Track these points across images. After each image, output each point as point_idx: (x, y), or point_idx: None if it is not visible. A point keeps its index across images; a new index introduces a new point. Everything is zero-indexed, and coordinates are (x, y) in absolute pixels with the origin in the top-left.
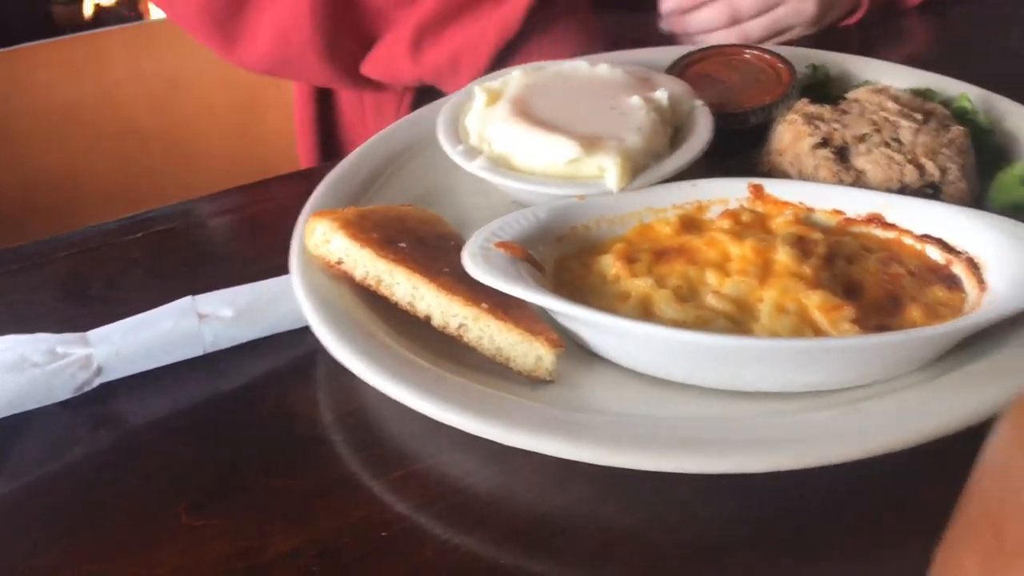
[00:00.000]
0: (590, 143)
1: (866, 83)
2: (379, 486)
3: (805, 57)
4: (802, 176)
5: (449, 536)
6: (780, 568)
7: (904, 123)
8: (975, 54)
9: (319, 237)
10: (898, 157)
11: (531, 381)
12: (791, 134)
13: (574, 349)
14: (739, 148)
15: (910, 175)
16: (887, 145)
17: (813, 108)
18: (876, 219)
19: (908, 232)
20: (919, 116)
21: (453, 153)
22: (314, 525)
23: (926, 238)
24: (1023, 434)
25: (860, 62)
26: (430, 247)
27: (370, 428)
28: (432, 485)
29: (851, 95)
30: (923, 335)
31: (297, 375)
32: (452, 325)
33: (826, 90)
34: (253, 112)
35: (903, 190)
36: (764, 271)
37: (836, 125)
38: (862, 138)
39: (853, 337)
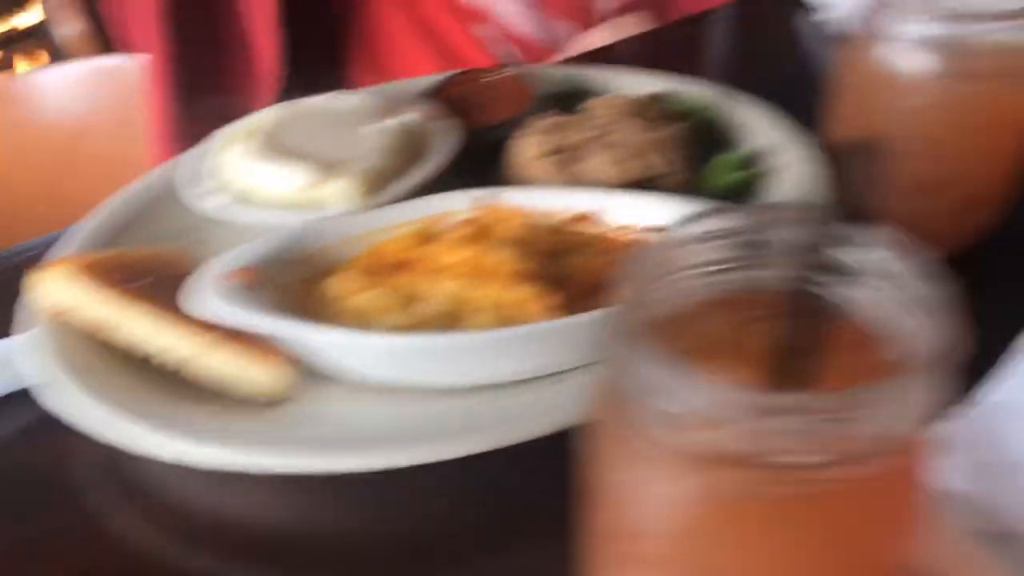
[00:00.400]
0: (328, 168)
1: (610, 93)
2: (113, 524)
3: (557, 74)
4: (535, 183)
5: (178, 563)
6: (488, 553)
7: (628, 124)
8: (731, 58)
9: (50, 286)
10: (622, 156)
11: (268, 403)
12: (525, 146)
13: (312, 367)
14: (489, 164)
15: (632, 171)
16: (612, 147)
17: (549, 120)
18: (593, 215)
19: (623, 224)
20: (645, 117)
21: (188, 195)
22: (44, 566)
23: (639, 228)
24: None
25: (612, 74)
26: (168, 286)
27: (110, 471)
28: (166, 516)
29: (587, 104)
30: (590, 318)
31: (48, 425)
32: (184, 358)
33: (575, 103)
34: (65, 175)
35: (627, 186)
36: (483, 273)
37: (567, 133)
38: (589, 142)
39: (528, 325)
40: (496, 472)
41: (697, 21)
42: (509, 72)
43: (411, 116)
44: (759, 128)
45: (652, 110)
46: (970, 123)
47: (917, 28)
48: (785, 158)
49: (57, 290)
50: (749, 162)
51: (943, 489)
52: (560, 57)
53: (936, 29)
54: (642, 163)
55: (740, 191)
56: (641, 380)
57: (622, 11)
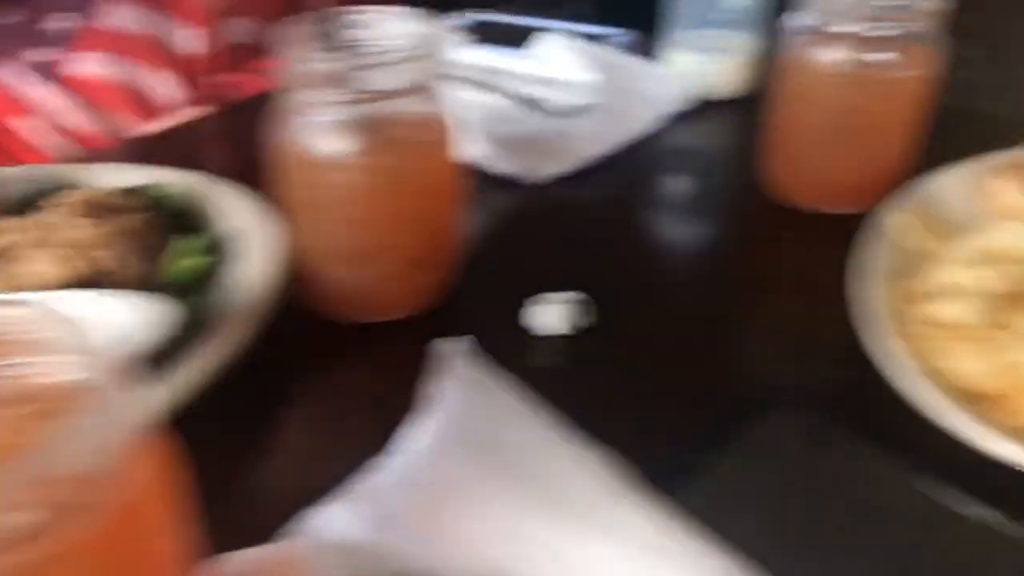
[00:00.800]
0: None
1: (80, 189)
2: None
3: (25, 174)
4: None
5: None
6: None
7: (80, 221)
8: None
9: None
10: (64, 254)
11: None
12: None
13: None
14: None
15: (77, 269)
16: (55, 246)
17: None
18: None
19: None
20: (102, 211)
21: None
22: None
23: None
24: None
25: (87, 170)
26: None
27: None
28: None
29: (45, 203)
30: None
31: None
32: None
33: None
34: None
35: (72, 284)
36: None
37: (9, 235)
38: (36, 242)
39: None
40: None
41: (241, 109)
42: None
43: None
44: (235, 214)
45: (108, 204)
46: (390, 192)
47: (327, 112)
48: (252, 242)
49: None
50: (210, 248)
51: (340, 538)
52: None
53: (343, 112)
54: (87, 260)
55: (199, 277)
56: None
57: (187, 103)
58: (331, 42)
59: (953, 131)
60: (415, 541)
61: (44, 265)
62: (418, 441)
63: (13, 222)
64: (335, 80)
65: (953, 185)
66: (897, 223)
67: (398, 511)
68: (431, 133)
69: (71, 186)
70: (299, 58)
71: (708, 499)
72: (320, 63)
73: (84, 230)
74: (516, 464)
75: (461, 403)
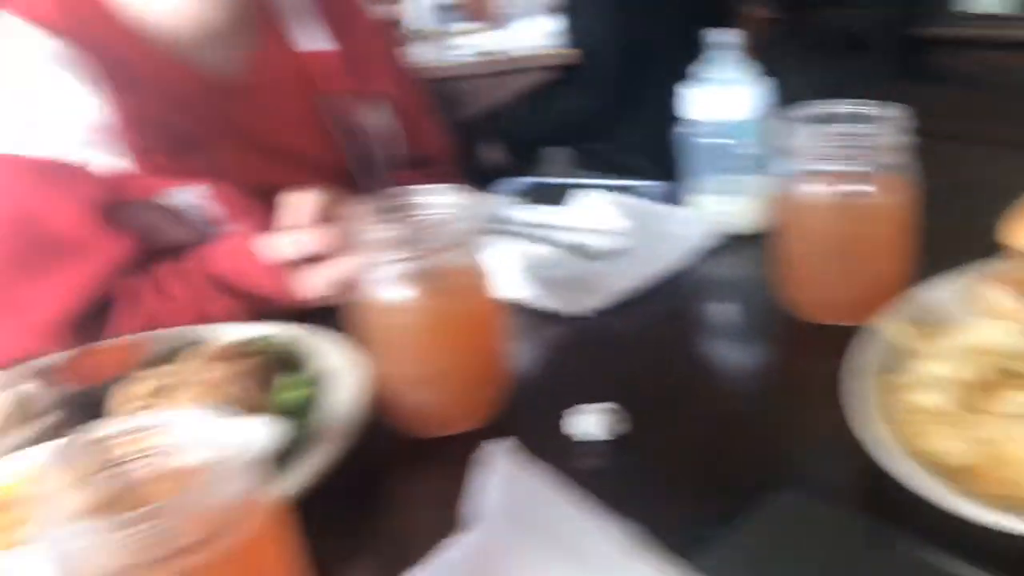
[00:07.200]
0: None
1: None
2: None
3: (166, 335)
4: None
5: None
6: None
7: (215, 366)
8: None
9: None
10: (204, 390)
11: None
12: (122, 393)
13: None
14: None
15: (215, 401)
16: (197, 384)
17: (146, 371)
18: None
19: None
20: (229, 357)
21: None
22: None
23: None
24: None
25: (211, 329)
26: None
27: None
28: None
29: (183, 354)
30: None
31: None
32: None
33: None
34: None
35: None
36: None
37: (162, 379)
38: (179, 383)
39: None
40: None
41: None
42: (119, 340)
43: (25, 387)
44: (328, 354)
45: (232, 352)
46: (443, 328)
47: (390, 268)
48: (342, 375)
49: None
50: (309, 381)
51: None
52: None
53: (403, 267)
54: (221, 394)
55: (301, 404)
56: None
57: None
58: (391, 214)
59: (940, 247)
60: None
61: (189, 399)
62: (473, 525)
63: (162, 369)
64: (396, 243)
65: (944, 293)
66: (890, 327)
67: None
68: (473, 279)
69: (198, 342)
70: (366, 228)
71: (719, 564)
72: (383, 231)
73: (217, 372)
74: (553, 536)
75: (504, 489)
